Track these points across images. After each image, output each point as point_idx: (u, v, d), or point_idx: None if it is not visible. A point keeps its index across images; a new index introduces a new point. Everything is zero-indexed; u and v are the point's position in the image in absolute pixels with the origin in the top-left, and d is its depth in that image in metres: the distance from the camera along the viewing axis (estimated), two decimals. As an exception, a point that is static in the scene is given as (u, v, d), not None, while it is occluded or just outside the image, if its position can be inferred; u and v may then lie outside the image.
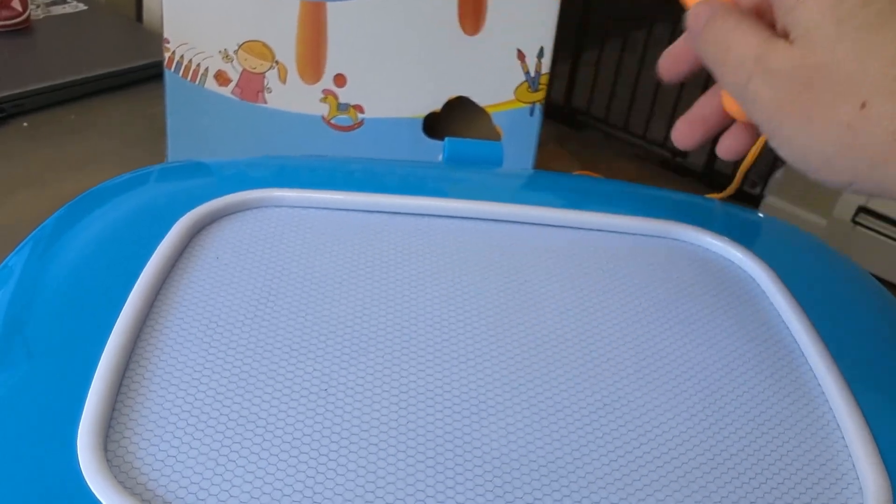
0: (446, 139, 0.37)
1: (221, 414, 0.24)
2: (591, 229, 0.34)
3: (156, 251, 0.29)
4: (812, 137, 0.23)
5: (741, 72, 0.24)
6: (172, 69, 0.60)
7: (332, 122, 0.61)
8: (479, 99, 0.61)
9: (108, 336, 0.25)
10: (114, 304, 0.26)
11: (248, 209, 0.32)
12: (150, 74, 0.75)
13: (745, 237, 0.34)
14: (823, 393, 0.28)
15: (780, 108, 0.23)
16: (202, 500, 0.22)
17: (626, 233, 0.34)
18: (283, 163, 0.36)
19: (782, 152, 0.25)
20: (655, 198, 0.36)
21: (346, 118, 0.61)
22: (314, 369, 0.26)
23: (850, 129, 0.22)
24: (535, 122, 0.61)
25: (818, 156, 0.23)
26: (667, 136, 1.03)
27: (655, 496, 0.23)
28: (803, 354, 0.29)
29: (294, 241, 0.31)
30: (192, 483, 0.22)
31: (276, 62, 0.59)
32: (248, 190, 0.33)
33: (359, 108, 0.61)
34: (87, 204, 0.32)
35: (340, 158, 0.35)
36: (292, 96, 0.60)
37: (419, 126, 0.61)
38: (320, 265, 0.30)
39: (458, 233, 0.33)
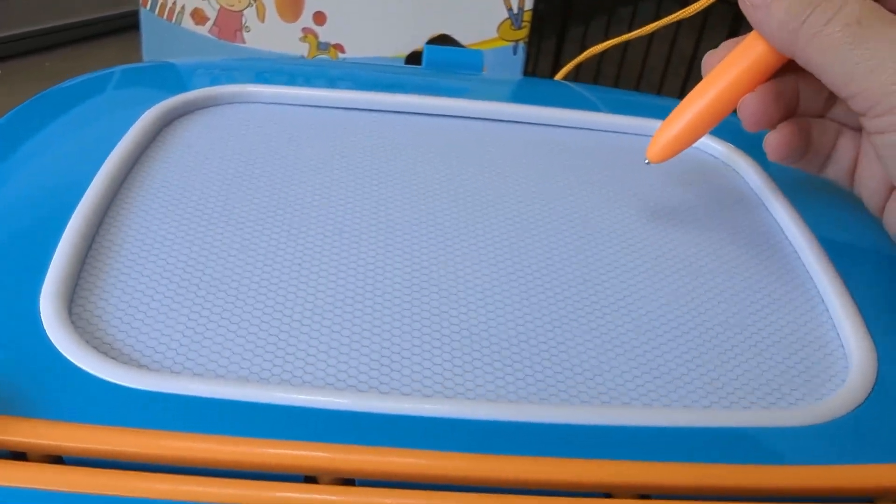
0: (425, 45, 0.37)
1: (192, 281, 0.23)
2: (570, 127, 0.33)
3: (124, 137, 0.28)
4: None
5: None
6: (148, 7, 0.59)
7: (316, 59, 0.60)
8: (462, 37, 0.60)
9: (76, 205, 0.24)
10: (81, 182, 0.26)
11: (221, 104, 0.31)
12: (129, 24, 0.74)
13: (730, 134, 0.34)
14: (807, 270, 0.27)
15: None
16: (170, 357, 0.21)
17: (606, 130, 0.33)
18: (259, 64, 0.35)
19: None
20: (638, 101, 0.36)
21: (327, 58, 0.60)
22: (288, 244, 0.25)
23: None
24: (518, 61, 0.61)
25: None
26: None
27: (638, 364, 0.23)
28: (786, 236, 0.29)
29: (270, 135, 0.30)
30: (159, 343, 0.22)
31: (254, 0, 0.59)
32: (221, 85, 0.32)
33: (339, 48, 0.60)
34: (50, 99, 0.31)
35: (318, 60, 0.34)
36: (271, 35, 0.60)
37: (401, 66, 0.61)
38: (297, 156, 0.29)
39: (437, 129, 0.32)
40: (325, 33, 0.59)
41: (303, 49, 0.60)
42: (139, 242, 0.24)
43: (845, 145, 0.27)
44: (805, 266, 0.27)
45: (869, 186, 0.27)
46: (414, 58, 0.60)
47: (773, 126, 0.27)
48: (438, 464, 0.19)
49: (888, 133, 0.23)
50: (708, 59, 0.28)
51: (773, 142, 0.27)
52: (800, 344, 0.24)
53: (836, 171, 0.28)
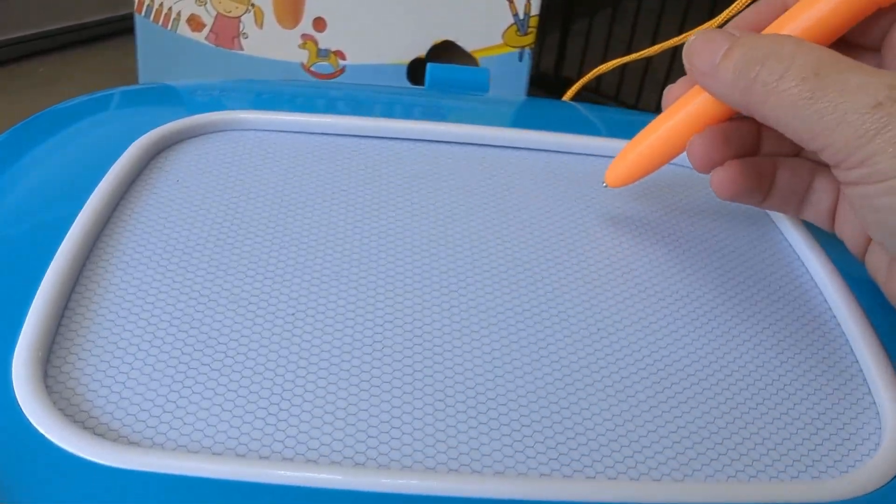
0: (428, 64, 0.35)
1: (177, 339, 0.22)
2: (580, 153, 0.31)
3: (109, 171, 0.26)
4: None
5: (865, 117, 0.20)
6: (143, 13, 0.57)
7: (312, 69, 0.59)
8: (466, 43, 0.58)
9: (52, 256, 0.23)
10: (60, 224, 0.24)
11: (212, 132, 0.30)
12: (126, 27, 0.72)
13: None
14: (835, 316, 0.26)
15: None
16: (153, 427, 0.20)
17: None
18: (253, 86, 0.33)
19: (891, 200, 0.20)
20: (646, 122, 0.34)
21: (327, 65, 0.59)
22: (282, 293, 0.24)
23: None
24: (524, 68, 0.59)
25: None
26: (657, 106, 1.00)
27: (656, 428, 0.21)
28: (811, 276, 0.27)
29: (263, 165, 0.29)
30: (142, 410, 0.20)
31: (252, 5, 0.57)
32: (213, 112, 0.30)
33: (340, 55, 0.58)
34: (36, 125, 0.29)
35: (315, 82, 0.32)
36: (270, 42, 0.58)
37: (403, 73, 0.59)
38: (291, 189, 0.28)
39: (439, 156, 0.30)
40: (325, 40, 0.58)
41: (302, 56, 0.58)
42: (122, 294, 0.23)
43: (823, 186, 0.26)
44: (830, 308, 0.26)
45: (848, 231, 0.25)
46: (417, 65, 0.58)
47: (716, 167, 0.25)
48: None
49: (861, 185, 0.21)
50: (668, 94, 0.26)
51: (717, 179, 0.25)
52: (828, 402, 0.23)
53: (814, 213, 0.26)
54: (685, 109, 0.25)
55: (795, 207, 0.26)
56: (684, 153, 0.26)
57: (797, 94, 0.21)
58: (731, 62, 0.22)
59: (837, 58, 0.21)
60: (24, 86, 0.66)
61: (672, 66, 0.97)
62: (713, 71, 0.23)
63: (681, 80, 0.26)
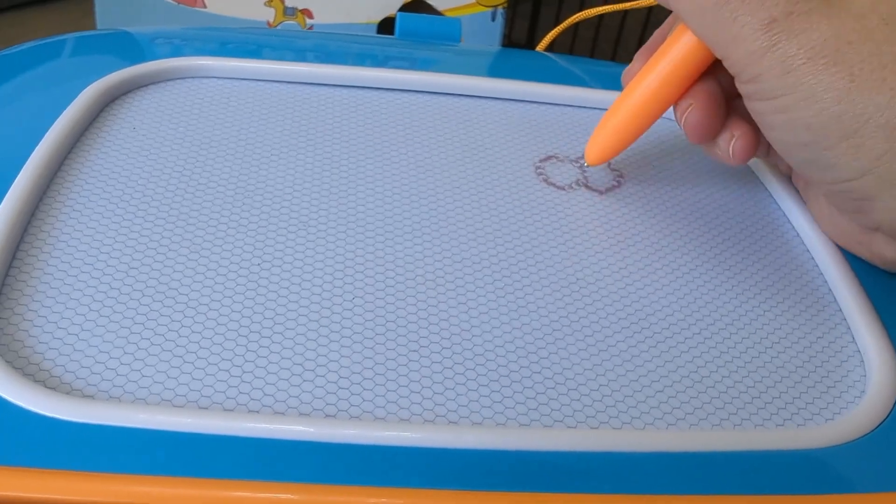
0: (398, 14, 0.33)
1: (134, 289, 0.21)
2: (553, 104, 0.30)
3: (59, 119, 0.25)
4: (845, 101, 0.19)
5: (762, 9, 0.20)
6: (100, -32, 0.55)
7: (279, 28, 0.57)
8: (437, 2, 0.57)
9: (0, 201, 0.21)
10: (7, 172, 0.23)
11: (169, 79, 0.28)
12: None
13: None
14: (817, 266, 0.25)
15: (814, 60, 0.19)
16: (108, 379, 0.19)
17: (595, 108, 0.30)
18: (215, 34, 0.32)
19: (781, 118, 0.20)
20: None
21: (294, 24, 0.57)
22: (245, 242, 0.23)
23: None
24: (496, 28, 0.57)
25: (845, 126, 0.19)
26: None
27: (638, 377, 0.21)
28: (794, 227, 0.26)
29: (224, 114, 0.27)
30: (96, 363, 0.19)
31: (215, -40, 0.55)
32: (171, 58, 0.28)
33: (307, 13, 0.56)
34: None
35: (283, 31, 0.31)
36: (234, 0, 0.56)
37: (373, 33, 0.57)
38: (253, 138, 0.26)
39: (414, 106, 0.29)
40: (291, -3, 0.56)
41: (268, 14, 0.56)
42: (74, 243, 0.21)
43: None
44: (815, 260, 0.25)
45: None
46: (387, 25, 0.57)
47: (717, 134, 0.25)
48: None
49: (755, 100, 0.21)
50: (626, 74, 0.26)
51: (738, 149, 0.24)
52: (813, 350, 0.22)
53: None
54: (651, 76, 0.24)
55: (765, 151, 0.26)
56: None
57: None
58: None
59: None
60: (-25, 47, 0.63)
61: (643, 36, 0.96)
62: None
63: (636, 58, 0.26)
